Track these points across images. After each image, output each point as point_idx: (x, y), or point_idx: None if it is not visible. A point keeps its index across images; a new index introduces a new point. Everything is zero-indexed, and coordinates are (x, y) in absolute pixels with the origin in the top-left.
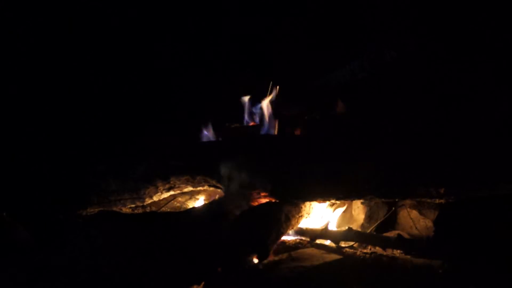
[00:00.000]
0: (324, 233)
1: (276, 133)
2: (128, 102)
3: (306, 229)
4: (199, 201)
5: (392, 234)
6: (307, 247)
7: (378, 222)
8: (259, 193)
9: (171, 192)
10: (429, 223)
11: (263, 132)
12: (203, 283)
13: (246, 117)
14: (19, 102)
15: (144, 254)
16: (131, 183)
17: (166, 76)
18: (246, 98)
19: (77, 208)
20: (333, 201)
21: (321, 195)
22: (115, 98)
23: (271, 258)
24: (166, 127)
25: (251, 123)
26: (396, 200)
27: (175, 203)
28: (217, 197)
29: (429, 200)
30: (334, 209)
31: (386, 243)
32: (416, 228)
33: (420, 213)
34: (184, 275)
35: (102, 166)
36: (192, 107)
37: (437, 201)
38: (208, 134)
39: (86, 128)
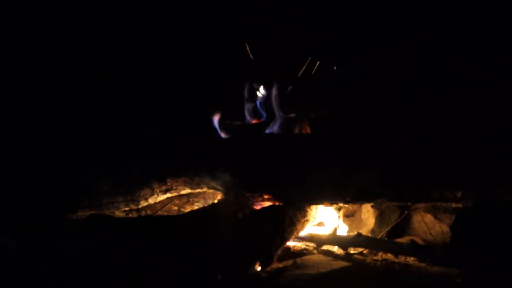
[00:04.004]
0: (332, 238)
1: (280, 131)
2: (123, 99)
3: (312, 234)
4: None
5: (405, 239)
6: (313, 254)
7: (390, 226)
8: (261, 196)
9: (168, 195)
10: (445, 228)
11: (267, 130)
12: None
13: (247, 115)
14: (4, 99)
15: (138, 261)
16: (125, 184)
17: (162, 74)
18: (248, 95)
19: (67, 212)
20: (341, 204)
21: (328, 198)
22: (108, 95)
23: (275, 265)
24: (163, 125)
25: (253, 121)
26: (409, 203)
27: (172, 206)
28: (217, 200)
29: (444, 204)
30: (342, 213)
31: (399, 250)
32: (430, 233)
33: (435, 217)
34: (182, 284)
35: (94, 166)
36: (191, 104)
37: (453, 205)
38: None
39: (77, 126)
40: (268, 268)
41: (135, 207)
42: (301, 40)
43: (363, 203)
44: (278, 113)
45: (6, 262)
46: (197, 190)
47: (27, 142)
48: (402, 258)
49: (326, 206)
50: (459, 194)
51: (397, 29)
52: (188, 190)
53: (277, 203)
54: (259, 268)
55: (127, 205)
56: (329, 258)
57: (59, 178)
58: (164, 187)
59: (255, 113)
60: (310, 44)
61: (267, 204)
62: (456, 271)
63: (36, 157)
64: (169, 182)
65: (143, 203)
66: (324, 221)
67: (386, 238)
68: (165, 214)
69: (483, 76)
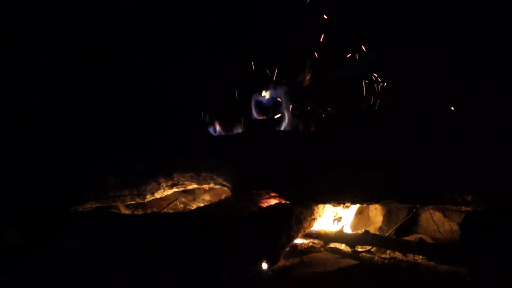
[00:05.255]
0: (339, 236)
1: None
2: (130, 94)
3: (320, 232)
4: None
5: (413, 238)
6: (321, 252)
7: (398, 224)
8: (269, 193)
9: (174, 189)
10: (455, 227)
11: (279, 128)
12: None
13: (254, 111)
14: (9, 94)
15: (144, 258)
16: (131, 178)
17: (168, 69)
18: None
19: (73, 204)
20: (348, 204)
21: (336, 197)
22: (116, 90)
23: (282, 263)
24: (170, 120)
25: (260, 117)
26: (418, 205)
27: (178, 204)
28: (223, 196)
29: (453, 208)
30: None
31: (407, 248)
32: (439, 231)
33: (445, 215)
34: (187, 282)
35: (102, 159)
36: (197, 100)
37: (463, 208)
38: (216, 129)
39: (85, 120)
40: (275, 266)
41: (141, 201)
42: (308, 35)
43: (371, 203)
44: (287, 111)
45: (12, 259)
46: (204, 186)
47: (34, 135)
48: (410, 257)
49: (334, 206)
50: (469, 197)
51: (407, 22)
52: (194, 186)
53: (284, 201)
54: (265, 267)
55: (133, 199)
56: (337, 256)
57: (67, 171)
58: (170, 182)
59: (262, 109)
60: (317, 39)
61: (274, 202)
62: (465, 270)
63: (43, 151)
64: (176, 177)
65: (149, 197)
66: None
67: (394, 236)
68: (171, 211)
69: (499, 77)
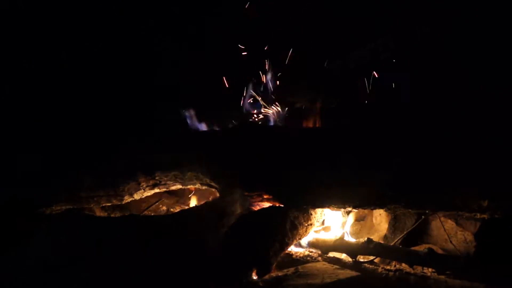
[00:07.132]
0: (339, 244)
1: (284, 124)
2: (107, 88)
3: (317, 239)
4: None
5: (422, 248)
6: (318, 261)
7: (405, 233)
8: (261, 196)
9: (156, 190)
10: (469, 236)
11: (269, 123)
12: None
13: (247, 105)
14: None
15: (121, 266)
16: (108, 177)
17: (149, 64)
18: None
19: (41, 205)
20: (349, 208)
21: (335, 201)
22: (91, 85)
23: (274, 273)
24: (152, 115)
25: (253, 112)
26: (427, 211)
27: (161, 206)
28: (210, 198)
29: (467, 214)
30: (354, 217)
31: (414, 259)
32: (451, 242)
33: (457, 223)
34: None
35: (74, 156)
36: (181, 94)
37: (478, 215)
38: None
39: (57, 116)
40: (266, 277)
41: (119, 203)
42: (307, 25)
43: (375, 208)
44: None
45: None
46: (189, 186)
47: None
48: (418, 269)
49: (333, 210)
50: (485, 203)
51: (418, 4)
52: (178, 186)
53: (278, 204)
54: (255, 277)
55: (109, 200)
56: (336, 266)
57: (35, 169)
58: (152, 182)
59: (254, 103)
60: (316, 28)
61: (266, 205)
62: (480, 286)
63: (10, 147)
64: (158, 176)
65: (127, 199)
66: (331, 225)
67: (400, 246)
68: (152, 214)
69: None
